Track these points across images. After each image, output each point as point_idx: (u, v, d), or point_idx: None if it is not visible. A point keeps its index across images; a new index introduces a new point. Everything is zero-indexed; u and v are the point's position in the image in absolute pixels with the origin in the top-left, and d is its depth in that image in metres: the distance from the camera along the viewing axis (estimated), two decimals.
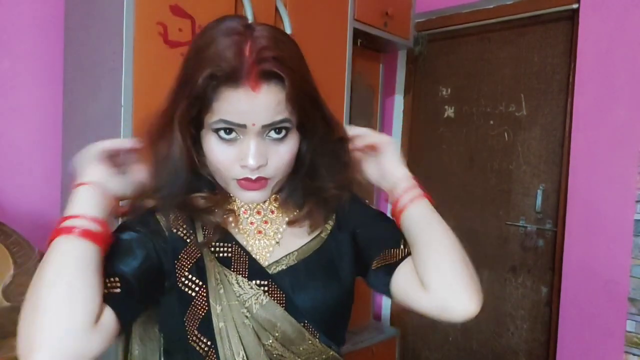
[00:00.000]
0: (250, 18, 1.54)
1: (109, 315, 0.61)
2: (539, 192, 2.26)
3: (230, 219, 0.75)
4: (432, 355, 2.65)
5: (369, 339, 2.36)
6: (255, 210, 0.77)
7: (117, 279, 0.64)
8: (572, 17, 2.12)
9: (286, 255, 0.75)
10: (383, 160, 0.80)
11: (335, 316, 0.76)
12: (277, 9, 1.67)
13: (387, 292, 0.76)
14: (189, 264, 0.71)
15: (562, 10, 2.13)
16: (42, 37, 1.65)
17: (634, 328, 1.89)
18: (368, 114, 2.61)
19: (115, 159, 0.71)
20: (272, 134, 0.67)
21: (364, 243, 0.80)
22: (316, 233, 0.78)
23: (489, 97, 2.45)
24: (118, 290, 0.63)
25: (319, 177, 0.77)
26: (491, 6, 2.34)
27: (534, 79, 2.29)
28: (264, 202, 0.77)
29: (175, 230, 0.73)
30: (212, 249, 0.73)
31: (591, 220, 2.00)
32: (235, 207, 0.76)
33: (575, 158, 2.06)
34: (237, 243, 0.74)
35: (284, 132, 0.68)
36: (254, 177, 0.68)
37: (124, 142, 0.72)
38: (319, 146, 0.74)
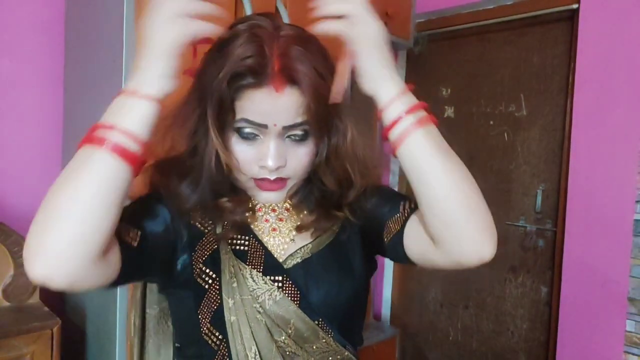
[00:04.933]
0: None
1: (115, 258, 0.59)
2: (539, 192, 2.26)
3: (248, 213, 0.74)
4: (432, 355, 2.65)
5: (369, 338, 2.36)
6: (271, 207, 0.76)
7: (139, 233, 0.64)
8: (572, 17, 2.12)
9: (301, 248, 0.74)
10: (359, 60, 0.61)
11: (349, 312, 0.75)
12: (277, 9, 1.67)
13: (409, 261, 0.72)
14: (204, 256, 0.71)
15: (562, 11, 2.13)
16: (42, 37, 1.65)
17: (633, 328, 1.90)
18: (368, 114, 2.60)
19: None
20: (293, 135, 0.67)
21: (370, 226, 0.77)
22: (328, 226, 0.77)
23: (488, 97, 2.45)
24: (135, 244, 0.63)
25: (329, 189, 0.75)
26: (491, 6, 2.34)
27: (534, 79, 2.29)
28: (278, 206, 0.77)
29: (193, 222, 0.73)
30: (229, 240, 0.72)
31: (591, 220, 2.00)
32: (251, 205, 0.76)
33: (575, 158, 2.06)
34: (255, 237, 0.74)
35: (304, 134, 0.67)
36: (272, 178, 0.68)
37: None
38: (333, 154, 0.73)
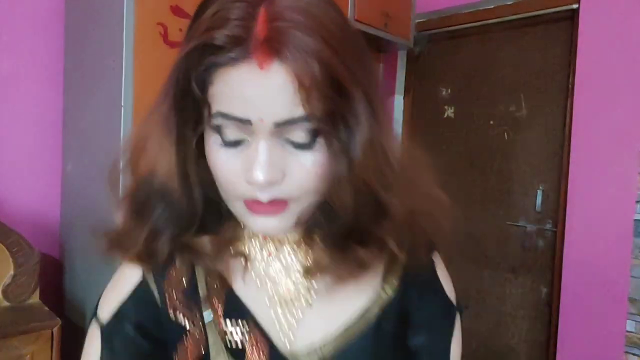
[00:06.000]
0: None
1: None
2: (539, 192, 2.25)
3: (242, 263, 0.53)
4: None
5: None
6: (276, 256, 0.54)
7: None
8: (572, 17, 2.13)
9: (320, 347, 0.52)
10: None
11: None
12: None
13: None
14: None
15: (562, 10, 2.13)
16: (42, 37, 1.65)
17: (634, 328, 1.90)
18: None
19: None
20: (293, 136, 0.44)
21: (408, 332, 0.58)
22: (366, 302, 0.54)
23: (489, 97, 2.45)
24: None
25: (361, 214, 0.49)
26: (491, 6, 2.34)
27: (534, 79, 2.29)
28: (285, 242, 0.53)
29: (171, 311, 0.53)
30: (222, 330, 0.53)
31: (591, 220, 2.01)
32: (252, 248, 0.54)
33: (575, 158, 2.06)
34: (253, 319, 0.53)
35: (309, 136, 0.44)
36: (264, 200, 0.45)
37: None
38: (362, 164, 0.46)
